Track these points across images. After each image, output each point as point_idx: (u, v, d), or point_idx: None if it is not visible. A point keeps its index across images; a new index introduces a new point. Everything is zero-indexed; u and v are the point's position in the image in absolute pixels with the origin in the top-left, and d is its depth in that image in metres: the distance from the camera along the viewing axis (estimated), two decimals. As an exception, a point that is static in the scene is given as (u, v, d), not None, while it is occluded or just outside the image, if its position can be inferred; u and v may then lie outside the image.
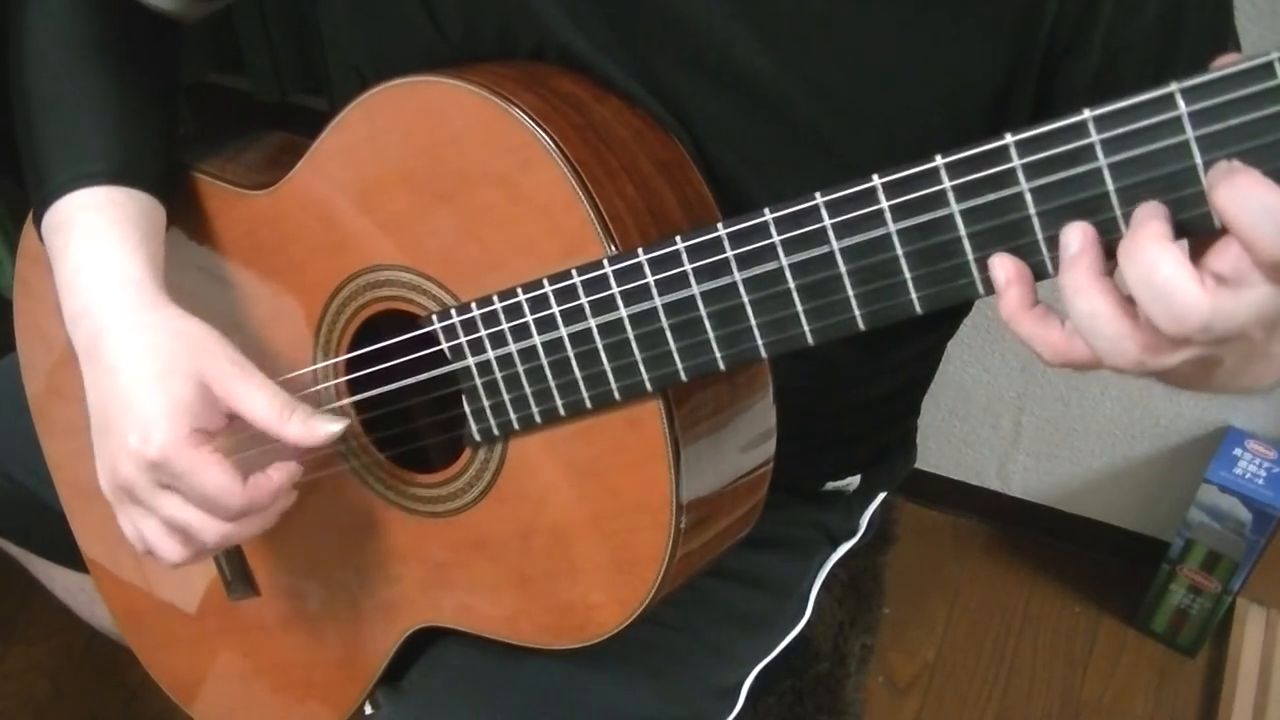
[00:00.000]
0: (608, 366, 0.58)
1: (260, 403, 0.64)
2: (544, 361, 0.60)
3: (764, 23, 0.59)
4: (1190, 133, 0.41)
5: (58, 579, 1.05)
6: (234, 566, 0.79)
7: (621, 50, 0.62)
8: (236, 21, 1.75)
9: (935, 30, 0.58)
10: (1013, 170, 0.44)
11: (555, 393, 0.61)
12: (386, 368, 0.68)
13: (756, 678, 0.85)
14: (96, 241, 0.67)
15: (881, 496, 0.95)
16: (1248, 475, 1.35)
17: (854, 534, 0.92)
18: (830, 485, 0.87)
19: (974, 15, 0.58)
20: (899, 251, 0.47)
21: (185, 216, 0.75)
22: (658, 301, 0.54)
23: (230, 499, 0.63)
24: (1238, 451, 1.37)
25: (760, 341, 0.53)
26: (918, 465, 0.98)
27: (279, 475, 0.65)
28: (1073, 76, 0.60)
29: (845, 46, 0.59)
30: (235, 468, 0.64)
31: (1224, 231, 0.41)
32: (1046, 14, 0.57)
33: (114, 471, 0.65)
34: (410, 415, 0.71)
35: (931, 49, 0.59)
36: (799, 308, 0.51)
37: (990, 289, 0.47)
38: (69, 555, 0.92)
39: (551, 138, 0.57)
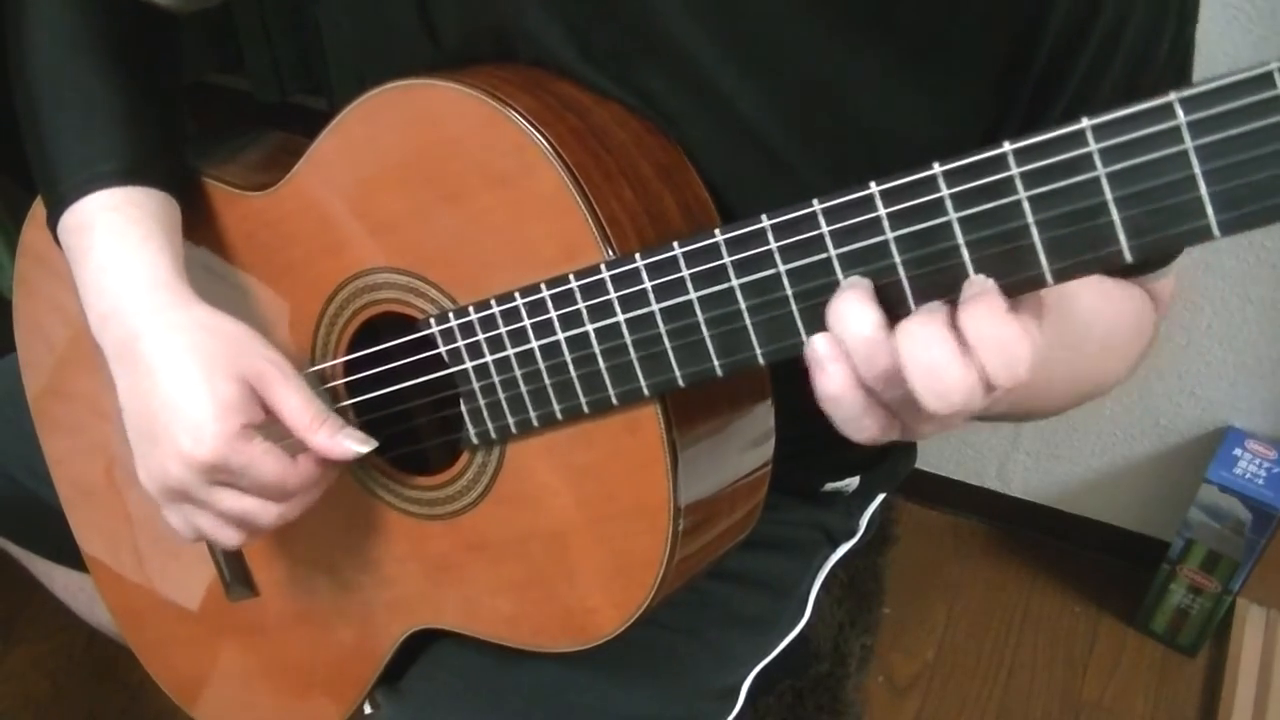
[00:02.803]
0: (605, 372, 0.58)
1: (295, 406, 0.65)
2: (541, 366, 0.60)
3: (742, 51, 0.59)
4: (1189, 142, 0.40)
5: (58, 579, 1.05)
6: (233, 567, 0.79)
7: (616, 68, 0.62)
8: (236, 21, 1.74)
9: (919, 84, 0.58)
10: (1010, 179, 0.44)
11: (553, 397, 0.60)
12: (385, 370, 0.68)
13: (756, 678, 0.85)
14: (120, 242, 0.67)
15: (881, 497, 0.95)
16: (1248, 475, 1.35)
17: (854, 534, 0.92)
18: (829, 486, 0.87)
19: (958, 71, 0.58)
20: (896, 259, 0.47)
21: (185, 218, 0.75)
22: (655, 307, 0.54)
23: (287, 482, 0.65)
24: (1238, 451, 1.37)
25: (758, 349, 0.53)
26: (918, 465, 0.98)
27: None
28: (1038, 119, 0.60)
29: (828, 93, 0.59)
30: (284, 452, 0.65)
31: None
32: (1033, 70, 0.57)
33: (164, 474, 0.65)
34: (409, 417, 0.71)
35: (915, 101, 0.59)
36: (796, 314, 0.51)
37: None
38: (69, 555, 0.92)
39: (549, 141, 0.57)
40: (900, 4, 0.56)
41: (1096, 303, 0.65)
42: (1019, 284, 0.45)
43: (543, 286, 0.58)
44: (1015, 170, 0.44)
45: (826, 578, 0.91)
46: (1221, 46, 1.15)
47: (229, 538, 0.68)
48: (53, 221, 0.70)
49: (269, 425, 0.65)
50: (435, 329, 0.63)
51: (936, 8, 0.56)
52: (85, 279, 0.67)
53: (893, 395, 0.49)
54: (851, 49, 0.58)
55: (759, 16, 0.58)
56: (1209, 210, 0.41)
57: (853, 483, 0.88)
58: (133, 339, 0.65)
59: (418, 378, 0.66)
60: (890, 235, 0.47)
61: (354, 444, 0.65)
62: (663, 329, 0.55)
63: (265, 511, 0.66)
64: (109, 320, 0.66)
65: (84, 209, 0.68)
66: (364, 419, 0.71)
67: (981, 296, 0.46)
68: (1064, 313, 0.62)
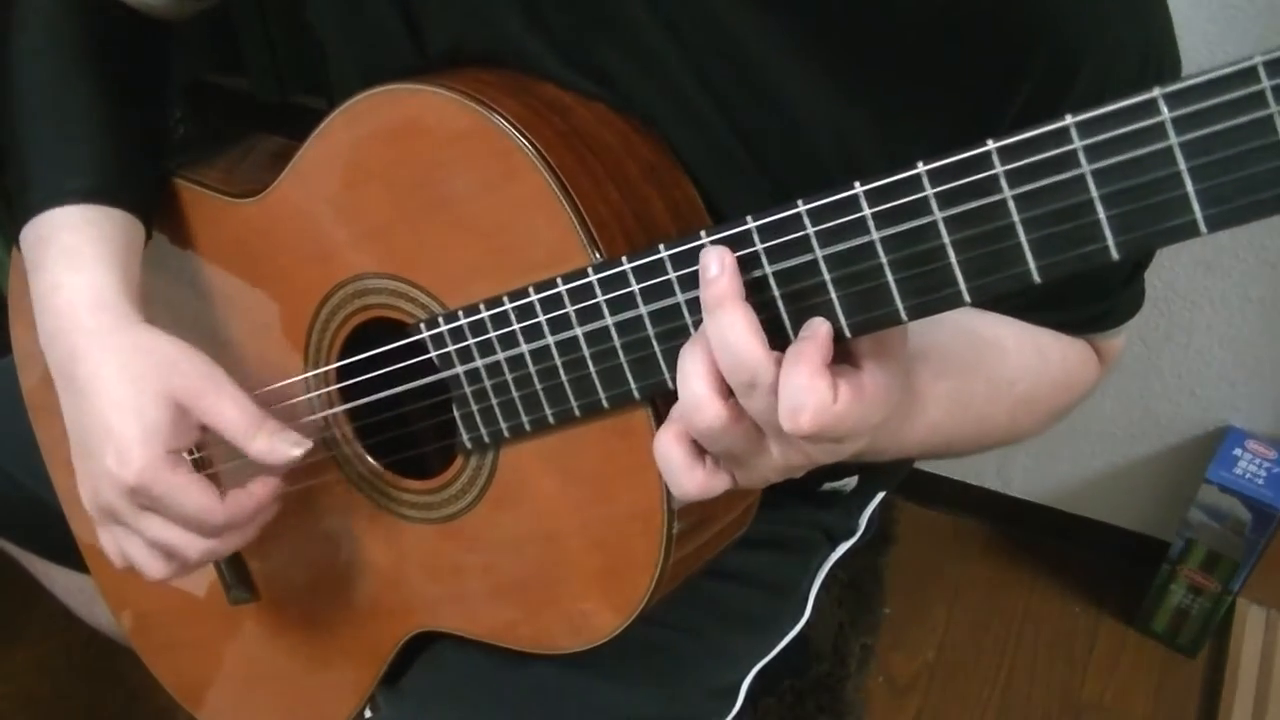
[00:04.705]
0: (595, 375, 0.58)
1: (231, 416, 0.65)
2: (531, 370, 0.60)
3: (694, 40, 0.60)
4: (1173, 138, 0.40)
5: (58, 579, 1.05)
6: (233, 571, 0.79)
7: (604, 85, 0.62)
8: (236, 21, 1.74)
9: (883, 129, 0.58)
10: (995, 177, 0.43)
11: (543, 401, 0.60)
12: (378, 375, 0.68)
13: (756, 678, 0.85)
14: (71, 262, 0.67)
15: (881, 496, 0.95)
16: (1248, 475, 1.35)
17: (853, 533, 0.92)
18: (828, 485, 0.87)
19: (909, 118, 0.58)
20: (883, 259, 0.47)
21: (175, 227, 0.75)
22: (643, 310, 0.54)
23: (211, 517, 0.65)
24: (1238, 451, 1.37)
25: None
26: (917, 465, 0.97)
27: (260, 490, 0.67)
28: None
29: (795, 132, 0.60)
30: (213, 486, 0.65)
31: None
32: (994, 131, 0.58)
33: (96, 494, 0.66)
34: (403, 422, 0.71)
35: (882, 146, 0.59)
36: (783, 315, 0.50)
37: (977, 297, 0.46)
38: (69, 555, 0.92)
39: (534, 145, 0.57)
40: (867, 51, 0.56)
41: (1027, 358, 0.66)
42: (1003, 282, 0.45)
43: (531, 291, 0.58)
44: (999, 168, 0.43)
45: (826, 577, 0.91)
46: (1222, 46, 1.15)
47: (154, 569, 0.68)
48: (16, 229, 0.70)
49: (211, 444, 0.65)
50: (425, 334, 0.63)
51: (902, 61, 0.56)
52: (36, 294, 0.68)
53: (718, 449, 0.51)
54: (805, 68, 0.58)
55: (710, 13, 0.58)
56: (1195, 206, 0.41)
57: (851, 482, 0.88)
58: (71, 360, 0.66)
59: (410, 382, 0.66)
60: (876, 236, 0.47)
61: (291, 448, 0.65)
62: (651, 332, 0.55)
63: (190, 544, 0.66)
64: (53, 340, 0.67)
65: (45, 223, 0.69)
66: (358, 424, 0.71)
67: (805, 340, 0.48)
68: (982, 370, 0.64)
